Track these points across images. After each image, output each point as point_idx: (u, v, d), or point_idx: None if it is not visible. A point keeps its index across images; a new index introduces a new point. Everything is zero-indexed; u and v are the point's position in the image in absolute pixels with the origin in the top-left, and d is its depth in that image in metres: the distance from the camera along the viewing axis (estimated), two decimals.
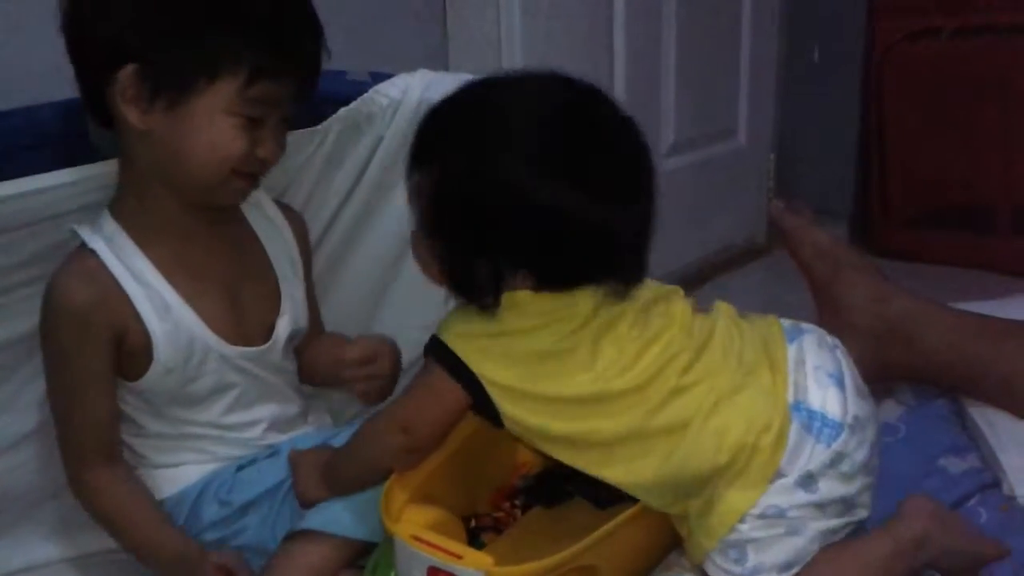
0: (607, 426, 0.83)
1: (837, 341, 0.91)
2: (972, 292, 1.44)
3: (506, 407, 0.84)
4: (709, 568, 0.86)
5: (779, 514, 0.83)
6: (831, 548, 0.84)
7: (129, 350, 0.94)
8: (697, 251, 2.09)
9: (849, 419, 0.84)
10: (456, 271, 0.85)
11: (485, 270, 0.82)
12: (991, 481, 1.10)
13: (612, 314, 0.84)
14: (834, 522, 0.84)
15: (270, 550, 0.94)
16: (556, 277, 0.83)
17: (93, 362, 0.93)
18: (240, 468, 0.99)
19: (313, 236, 1.14)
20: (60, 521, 1.08)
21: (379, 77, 1.17)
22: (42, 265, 0.98)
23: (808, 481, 0.83)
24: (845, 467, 0.84)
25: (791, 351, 0.87)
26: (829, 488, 0.83)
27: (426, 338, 0.87)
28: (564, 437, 0.85)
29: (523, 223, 0.81)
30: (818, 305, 1.29)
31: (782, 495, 0.82)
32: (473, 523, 0.96)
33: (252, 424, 1.02)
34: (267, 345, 1.02)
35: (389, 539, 0.86)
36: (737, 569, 0.84)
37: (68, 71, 0.93)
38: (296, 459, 0.97)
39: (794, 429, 0.83)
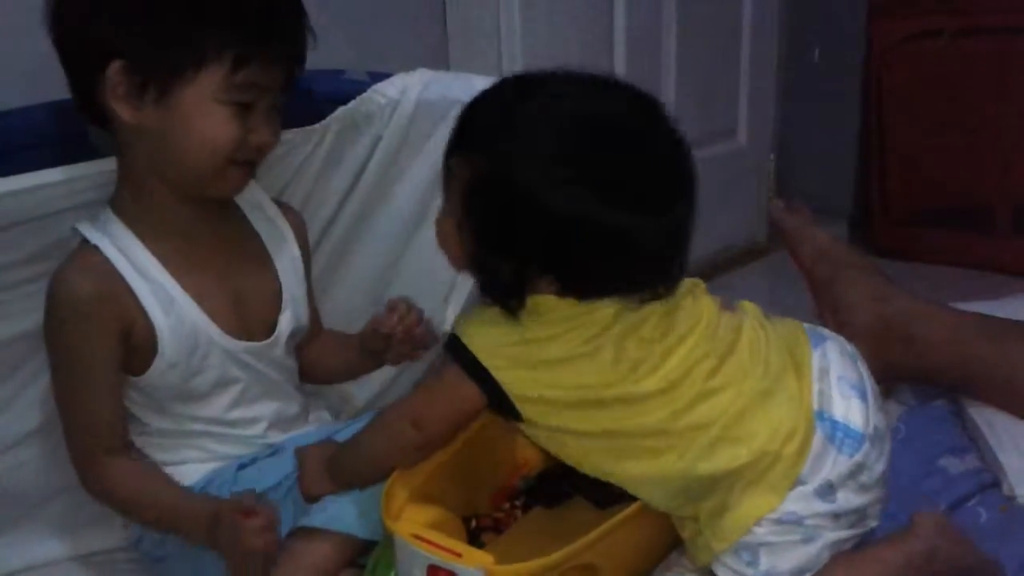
0: (630, 425, 0.83)
1: (856, 351, 0.91)
2: (972, 292, 1.44)
3: (526, 409, 0.84)
4: (718, 569, 0.86)
5: (796, 521, 0.82)
6: (844, 556, 0.84)
7: (134, 344, 0.94)
8: (697, 251, 2.05)
9: (870, 431, 0.84)
10: (482, 265, 0.84)
11: (510, 269, 0.82)
12: (991, 481, 1.10)
13: (637, 316, 0.83)
14: (846, 533, 0.84)
15: None
16: (582, 286, 0.82)
17: (100, 355, 0.93)
18: (241, 467, 0.99)
19: (312, 235, 1.14)
20: (63, 519, 1.08)
21: (378, 76, 1.17)
22: (41, 263, 0.98)
23: (827, 491, 0.83)
24: (864, 478, 0.84)
25: (815, 357, 0.87)
26: (847, 499, 0.83)
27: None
28: (585, 433, 0.84)
29: (550, 232, 0.79)
30: (818, 305, 1.29)
31: (801, 503, 0.82)
32: (474, 523, 0.96)
33: (254, 421, 1.02)
34: (270, 340, 1.02)
35: (389, 538, 0.86)
36: (749, 571, 0.84)
37: (54, 73, 0.93)
38: (302, 453, 0.97)
39: (817, 438, 0.83)
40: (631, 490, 0.87)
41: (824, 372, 0.86)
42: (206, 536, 0.91)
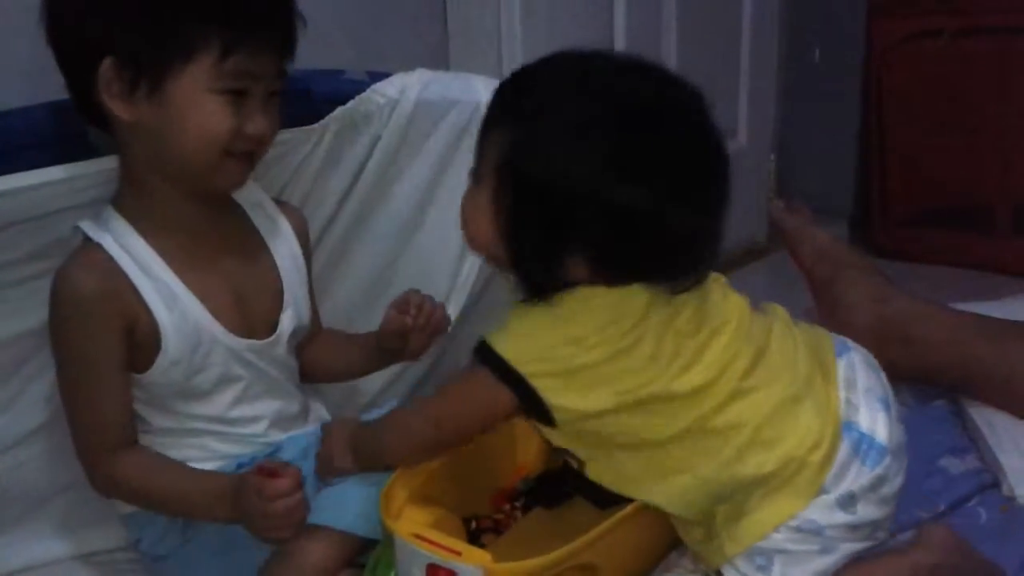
0: (663, 424, 0.82)
1: (876, 362, 0.91)
2: (972, 292, 1.44)
3: (560, 414, 0.82)
4: (728, 573, 0.85)
5: (816, 531, 0.82)
6: (850, 565, 0.84)
7: (138, 341, 0.94)
8: None
9: (893, 445, 0.84)
10: (514, 240, 0.82)
11: (542, 248, 0.80)
12: (991, 481, 1.10)
13: (671, 307, 0.82)
14: (859, 545, 0.84)
15: (271, 545, 0.94)
16: (612, 267, 0.81)
17: (104, 352, 0.93)
18: (240, 466, 0.99)
19: (311, 235, 1.14)
20: (64, 519, 1.08)
21: (377, 76, 1.17)
22: (42, 262, 0.98)
23: (848, 501, 0.82)
24: (884, 491, 0.84)
25: (840, 366, 0.87)
26: (866, 511, 0.83)
27: None
28: (618, 434, 0.83)
29: (583, 209, 0.78)
30: (818, 305, 1.29)
31: (822, 512, 0.82)
32: (474, 524, 0.96)
33: (255, 419, 1.02)
34: (271, 339, 1.02)
35: (389, 537, 0.86)
36: None
37: (52, 73, 0.93)
38: (329, 426, 0.97)
39: (844, 448, 0.83)
40: (652, 498, 0.85)
41: (851, 382, 0.86)
42: (230, 509, 0.91)
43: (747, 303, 0.88)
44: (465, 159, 1.19)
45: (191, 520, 0.98)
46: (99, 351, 0.93)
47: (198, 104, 0.90)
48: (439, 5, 1.61)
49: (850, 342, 0.91)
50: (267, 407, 1.03)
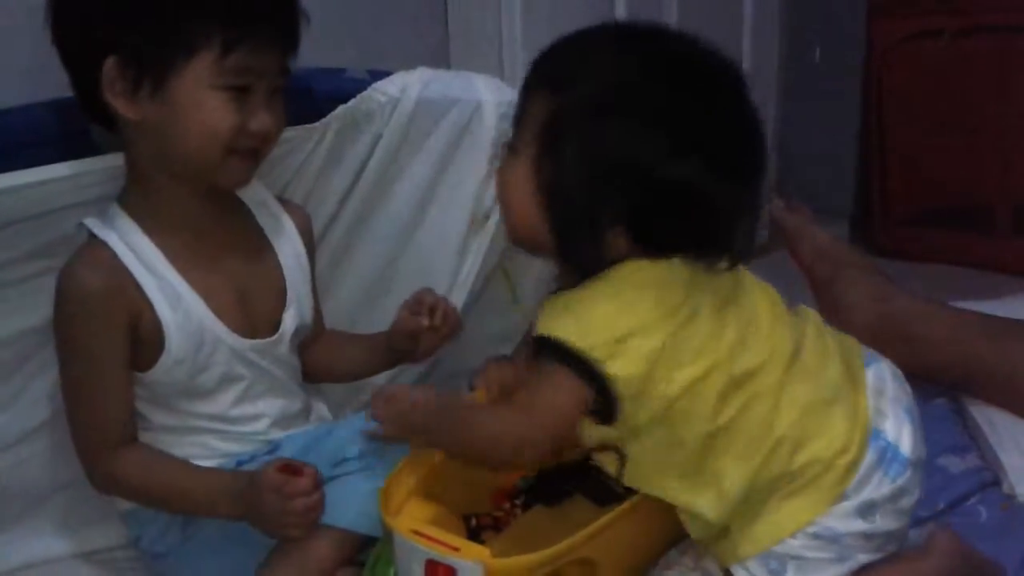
0: (715, 407, 0.79)
1: (902, 374, 0.90)
2: (972, 291, 1.44)
3: (626, 405, 0.79)
4: (739, 573, 0.84)
5: (834, 538, 0.82)
6: (863, 573, 0.84)
7: (141, 339, 0.94)
8: None
9: (915, 458, 0.84)
10: (554, 210, 0.79)
11: (584, 217, 0.78)
12: (991, 480, 1.10)
13: (712, 286, 0.81)
14: (871, 556, 0.84)
15: (270, 543, 0.94)
16: (654, 241, 0.79)
17: (109, 350, 0.93)
18: (240, 464, 0.99)
19: (314, 233, 1.14)
20: (63, 517, 1.08)
21: (378, 75, 1.17)
22: (44, 260, 0.98)
23: (868, 510, 0.82)
24: (903, 503, 0.84)
25: (869, 375, 0.87)
26: (884, 521, 0.83)
27: None
28: (676, 417, 0.80)
29: (632, 181, 0.77)
30: (818, 304, 1.29)
31: (841, 519, 0.82)
32: (474, 522, 0.96)
33: (257, 418, 1.02)
34: (274, 338, 1.02)
35: (389, 534, 0.86)
36: None
37: (54, 71, 0.94)
38: (392, 388, 0.92)
39: (869, 456, 0.82)
40: (692, 497, 0.83)
41: (879, 392, 0.86)
42: (235, 505, 0.91)
43: (779, 296, 0.87)
44: (466, 158, 1.20)
45: (191, 517, 0.98)
46: (103, 348, 0.93)
47: (201, 101, 0.90)
48: (440, 5, 1.61)
49: (877, 354, 0.90)
50: (269, 406, 1.03)
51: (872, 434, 0.83)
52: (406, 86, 1.16)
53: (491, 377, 0.97)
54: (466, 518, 0.95)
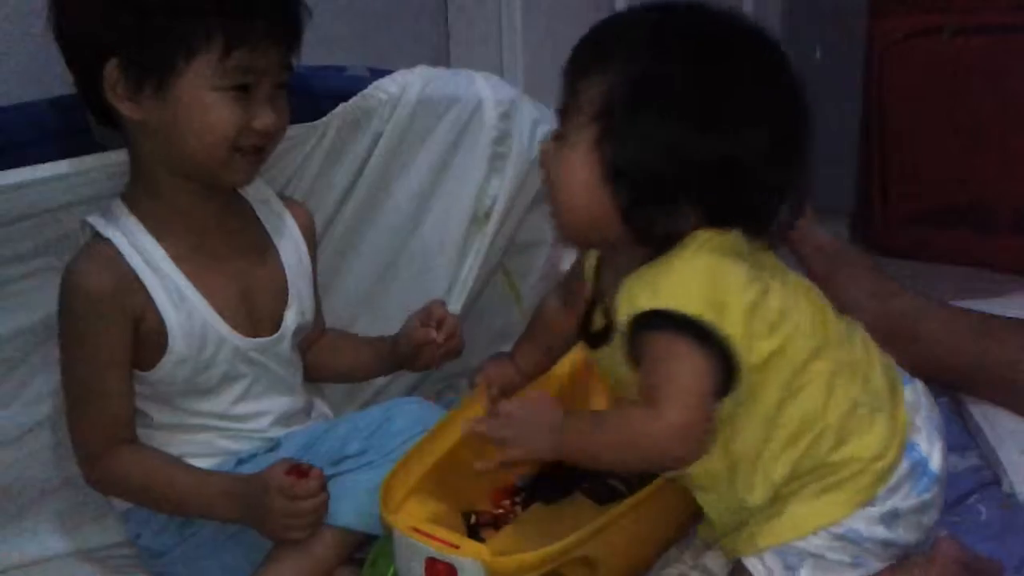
0: (787, 382, 0.80)
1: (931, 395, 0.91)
2: (972, 290, 1.44)
3: (744, 377, 0.78)
4: (752, 564, 0.83)
5: (856, 541, 0.82)
6: None
7: (144, 339, 0.94)
8: None
9: (942, 475, 0.85)
10: (629, 183, 0.77)
11: (665, 188, 0.77)
12: (991, 479, 1.10)
13: (767, 263, 0.81)
14: (884, 565, 0.83)
15: (268, 542, 0.94)
16: (720, 214, 0.78)
17: (112, 347, 0.93)
18: (240, 462, 0.99)
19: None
20: (62, 515, 1.08)
21: (378, 73, 1.17)
22: (46, 257, 0.98)
23: (892, 519, 0.82)
24: (926, 519, 0.84)
25: (907, 391, 0.87)
26: (905, 533, 0.83)
27: None
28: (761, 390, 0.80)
29: (701, 157, 0.76)
30: None
31: (865, 523, 0.82)
32: (473, 519, 0.96)
33: (258, 416, 1.02)
34: (276, 336, 1.02)
35: (388, 532, 0.86)
36: None
37: (54, 68, 0.94)
38: (507, 407, 0.85)
39: (903, 466, 0.83)
40: (749, 481, 0.82)
41: (915, 408, 0.86)
42: (235, 507, 0.92)
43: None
44: (467, 156, 1.20)
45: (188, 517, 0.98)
46: (107, 347, 0.93)
47: (203, 102, 0.90)
48: (440, 5, 1.61)
49: (908, 374, 0.90)
50: (271, 404, 1.03)
51: (908, 445, 0.84)
52: (407, 84, 1.16)
53: (491, 376, 0.97)
54: (466, 516, 0.96)
